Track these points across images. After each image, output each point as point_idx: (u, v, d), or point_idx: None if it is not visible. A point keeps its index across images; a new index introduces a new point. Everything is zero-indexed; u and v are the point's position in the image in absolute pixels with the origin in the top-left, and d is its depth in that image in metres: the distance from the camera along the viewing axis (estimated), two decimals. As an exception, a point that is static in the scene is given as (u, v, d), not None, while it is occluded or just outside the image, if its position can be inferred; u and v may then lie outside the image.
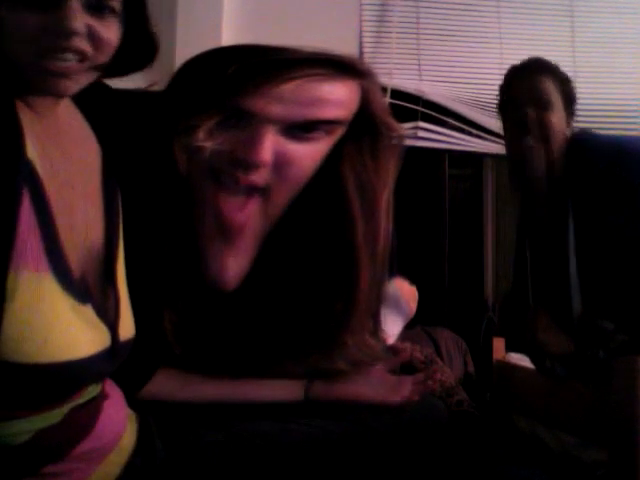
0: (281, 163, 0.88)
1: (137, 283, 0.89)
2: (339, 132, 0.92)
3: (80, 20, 0.72)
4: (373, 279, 0.98)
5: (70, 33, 0.71)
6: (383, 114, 0.96)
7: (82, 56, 0.73)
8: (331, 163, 0.94)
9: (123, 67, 0.84)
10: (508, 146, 1.78)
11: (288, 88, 0.84)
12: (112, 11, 0.75)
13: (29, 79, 0.74)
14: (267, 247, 0.94)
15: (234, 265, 0.91)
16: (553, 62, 1.74)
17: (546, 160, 1.67)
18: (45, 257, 0.73)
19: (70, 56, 0.73)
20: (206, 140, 0.86)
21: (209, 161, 0.87)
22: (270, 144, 0.86)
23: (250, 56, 0.87)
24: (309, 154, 0.90)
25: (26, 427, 0.75)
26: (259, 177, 0.88)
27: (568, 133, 1.71)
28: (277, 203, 0.91)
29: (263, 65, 0.85)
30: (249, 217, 0.90)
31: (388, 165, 0.98)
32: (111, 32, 0.76)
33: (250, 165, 0.87)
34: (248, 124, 0.86)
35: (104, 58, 0.77)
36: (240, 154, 0.86)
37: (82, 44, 0.72)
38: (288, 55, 0.87)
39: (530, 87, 1.68)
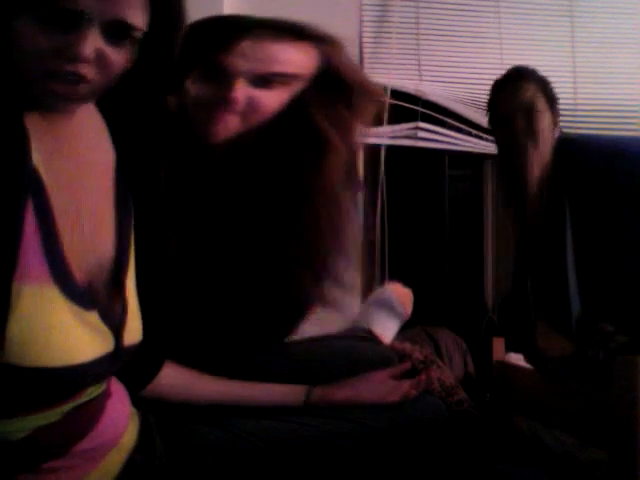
0: (251, 104, 1.11)
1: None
2: (297, 85, 1.13)
3: (90, 46, 0.71)
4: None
5: (77, 59, 0.71)
6: (353, 75, 1.16)
7: (84, 80, 0.73)
8: (302, 114, 1.15)
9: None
10: (502, 157, 1.81)
11: (247, 46, 1.08)
12: (132, 40, 0.75)
13: (35, 94, 0.75)
14: (249, 164, 1.15)
15: (225, 129, 1.11)
16: (530, 67, 1.77)
17: (539, 162, 1.70)
18: (47, 268, 0.74)
19: (71, 79, 0.72)
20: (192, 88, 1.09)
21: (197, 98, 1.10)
22: (241, 90, 1.09)
23: (220, 23, 1.11)
24: (271, 98, 1.12)
25: (25, 424, 0.77)
26: (236, 108, 1.10)
27: (556, 133, 1.74)
28: (251, 123, 1.13)
29: (227, 27, 1.11)
30: (232, 125, 1.12)
31: (362, 111, 1.17)
32: (122, 57, 0.75)
33: (228, 102, 1.10)
34: (225, 77, 1.09)
35: (109, 81, 0.76)
36: (221, 95, 1.10)
37: (86, 70, 0.72)
38: (246, 20, 1.12)
39: (514, 98, 1.73)
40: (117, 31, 0.73)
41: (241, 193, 1.14)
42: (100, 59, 0.73)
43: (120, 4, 0.72)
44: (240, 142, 1.12)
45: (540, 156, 1.70)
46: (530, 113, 1.70)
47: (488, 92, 1.83)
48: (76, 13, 0.69)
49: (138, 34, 0.75)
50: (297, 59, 1.11)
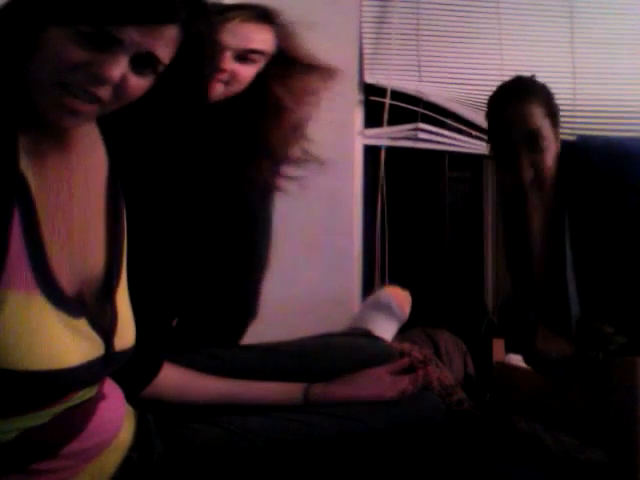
0: (232, 75, 1.31)
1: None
2: (261, 61, 1.34)
3: (119, 70, 0.73)
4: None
5: (103, 80, 0.73)
6: (301, 54, 1.37)
7: (99, 101, 0.75)
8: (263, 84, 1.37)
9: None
10: (501, 184, 1.78)
11: (233, 26, 1.29)
12: (154, 71, 0.78)
13: (40, 105, 0.75)
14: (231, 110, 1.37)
15: (212, 94, 1.30)
16: (529, 79, 1.67)
17: (542, 209, 1.68)
18: (33, 277, 0.76)
19: (88, 98, 0.74)
20: None
21: None
22: (228, 63, 1.29)
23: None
24: (247, 72, 1.32)
25: (13, 426, 0.78)
26: (223, 77, 1.30)
27: (558, 145, 1.66)
28: (231, 91, 1.34)
29: (217, 11, 1.27)
30: (218, 91, 1.32)
31: (308, 83, 1.37)
32: (142, 85, 0.78)
33: (222, 71, 1.29)
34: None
35: (119, 105, 0.78)
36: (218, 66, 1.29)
37: (104, 92, 0.74)
38: (227, 5, 1.33)
39: (518, 120, 1.60)
40: (144, 61, 0.76)
41: (223, 138, 1.32)
42: (121, 84, 0.75)
43: (155, 40, 0.75)
44: (220, 105, 1.32)
45: (544, 203, 1.66)
46: (535, 147, 1.59)
47: (486, 105, 1.70)
48: (116, 40, 0.72)
49: (161, 68, 0.78)
50: (265, 39, 1.34)
